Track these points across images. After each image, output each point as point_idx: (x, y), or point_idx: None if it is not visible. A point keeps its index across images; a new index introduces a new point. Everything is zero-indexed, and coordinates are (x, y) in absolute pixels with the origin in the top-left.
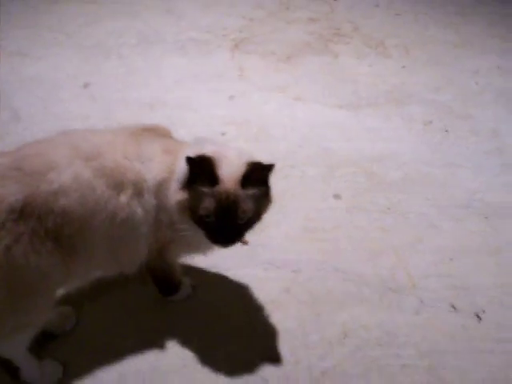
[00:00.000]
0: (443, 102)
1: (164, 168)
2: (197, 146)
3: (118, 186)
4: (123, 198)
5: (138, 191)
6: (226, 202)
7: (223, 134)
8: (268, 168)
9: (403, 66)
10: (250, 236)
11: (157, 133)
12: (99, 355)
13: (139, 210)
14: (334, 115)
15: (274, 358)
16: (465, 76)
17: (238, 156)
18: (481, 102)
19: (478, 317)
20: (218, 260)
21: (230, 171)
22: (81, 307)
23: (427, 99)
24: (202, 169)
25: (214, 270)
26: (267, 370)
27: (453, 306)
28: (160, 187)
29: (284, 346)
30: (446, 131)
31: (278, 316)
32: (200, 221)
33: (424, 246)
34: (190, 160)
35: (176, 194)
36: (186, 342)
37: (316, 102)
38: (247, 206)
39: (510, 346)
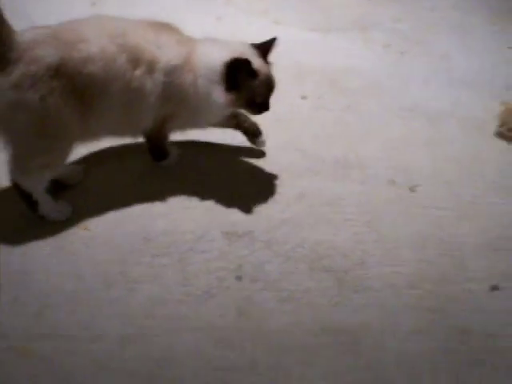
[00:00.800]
0: (402, 30)
1: (178, 56)
2: (212, 46)
3: (134, 61)
4: (137, 72)
5: (151, 69)
6: (270, 83)
7: None
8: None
9: (369, 0)
10: None
11: (170, 28)
12: (101, 203)
13: (149, 83)
14: (306, 36)
15: (240, 209)
16: (424, 10)
17: (251, 49)
18: (436, 31)
19: (412, 190)
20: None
21: (257, 62)
22: (90, 168)
23: (388, 27)
24: (242, 69)
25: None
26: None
27: (392, 181)
28: (173, 70)
29: (249, 203)
30: (402, 53)
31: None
32: (252, 105)
33: (373, 137)
34: (231, 65)
35: (225, 96)
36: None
37: (292, 26)
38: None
39: (437, 211)
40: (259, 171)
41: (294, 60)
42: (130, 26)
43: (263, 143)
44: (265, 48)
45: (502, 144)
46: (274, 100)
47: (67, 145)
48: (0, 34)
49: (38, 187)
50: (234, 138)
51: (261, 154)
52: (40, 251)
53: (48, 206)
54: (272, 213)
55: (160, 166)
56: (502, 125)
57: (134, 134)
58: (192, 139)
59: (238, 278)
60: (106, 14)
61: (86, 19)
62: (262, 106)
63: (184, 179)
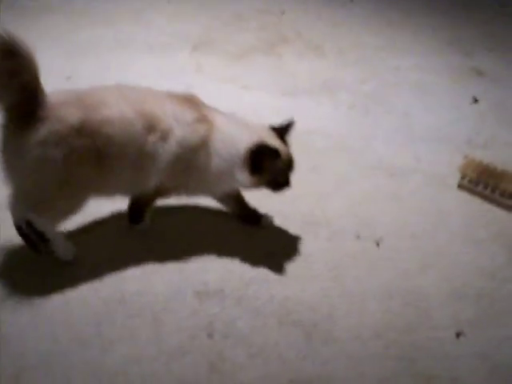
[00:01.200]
0: (366, 91)
1: (195, 134)
2: (232, 128)
3: (150, 128)
4: (151, 138)
5: (164, 137)
6: (291, 163)
7: None
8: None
9: (336, 64)
10: None
11: (193, 102)
12: (77, 267)
13: (160, 151)
14: (275, 100)
15: (212, 269)
16: (387, 72)
17: (270, 131)
18: (397, 91)
19: (377, 244)
20: None
21: (278, 144)
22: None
23: (353, 89)
24: (266, 153)
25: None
26: (206, 276)
27: (357, 236)
28: (188, 146)
29: (220, 262)
30: (366, 113)
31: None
32: (274, 184)
33: (339, 194)
34: (255, 150)
35: (249, 179)
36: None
37: (260, 90)
38: None
39: (402, 263)
40: (229, 231)
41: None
42: (151, 96)
43: (270, 219)
44: (282, 130)
45: (465, 195)
46: None
47: (84, 196)
48: (35, 92)
49: (51, 227)
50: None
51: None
52: (16, 315)
53: (59, 244)
54: (242, 271)
55: (134, 229)
56: (463, 177)
57: (138, 192)
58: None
59: (210, 335)
60: (127, 83)
61: (110, 86)
62: (283, 185)
63: (157, 240)
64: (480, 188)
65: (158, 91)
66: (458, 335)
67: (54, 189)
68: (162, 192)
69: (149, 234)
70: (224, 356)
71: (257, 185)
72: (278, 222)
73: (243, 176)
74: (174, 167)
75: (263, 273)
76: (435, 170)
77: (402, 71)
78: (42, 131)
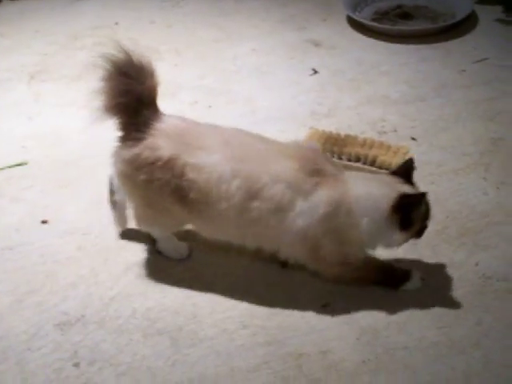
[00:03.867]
0: (207, 85)
1: (329, 202)
2: (365, 184)
3: (251, 193)
4: (254, 204)
5: (279, 209)
6: (429, 206)
7: (23, 147)
8: None
9: (175, 65)
10: None
11: (317, 162)
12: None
13: (273, 220)
14: None
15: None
16: (225, 62)
17: (397, 177)
18: (238, 78)
19: None
20: None
21: (411, 189)
22: None
23: (194, 86)
24: (413, 204)
25: None
26: (64, 306)
27: None
28: (322, 217)
29: (76, 288)
30: (209, 107)
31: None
32: (422, 230)
33: None
34: (401, 206)
35: (402, 236)
36: None
37: None
38: None
39: None
40: (84, 253)
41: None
42: (258, 153)
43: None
44: (405, 170)
45: None
46: None
47: (173, 224)
48: (147, 109)
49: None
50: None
51: None
52: None
53: (165, 245)
54: (101, 292)
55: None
56: None
57: (269, 248)
58: None
59: (76, 365)
60: (241, 129)
61: (224, 129)
62: (426, 226)
63: (6, 280)
64: None
65: (273, 147)
66: (324, 306)
67: (141, 206)
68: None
69: None
70: (92, 382)
71: (408, 239)
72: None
73: (394, 236)
74: (306, 243)
75: (123, 289)
76: None
77: (240, 58)
78: (131, 152)
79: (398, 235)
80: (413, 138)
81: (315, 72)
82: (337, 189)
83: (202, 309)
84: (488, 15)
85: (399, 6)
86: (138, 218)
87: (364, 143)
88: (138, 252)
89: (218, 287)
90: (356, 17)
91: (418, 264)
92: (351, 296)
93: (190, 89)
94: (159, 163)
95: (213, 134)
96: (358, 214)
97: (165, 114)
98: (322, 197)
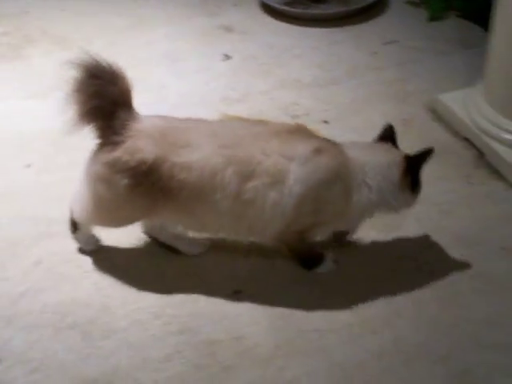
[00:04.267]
0: None
1: (325, 170)
2: (364, 151)
3: (246, 174)
4: (250, 184)
5: (277, 181)
6: None
7: None
8: None
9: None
10: None
11: (301, 132)
12: None
13: (272, 195)
14: (24, 105)
15: None
16: (138, 49)
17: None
18: (151, 66)
19: None
20: None
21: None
22: None
23: None
24: (421, 162)
25: None
26: None
27: None
28: (320, 186)
29: None
30: None
31: None
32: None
33: None
34: (409, 161)
35: (412, 198)
36: None
37: (8, 99)
38: None
39: None
40: None
41: (16, 130)
42: (251, 136)
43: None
44: (389, 136)
45: None
46: None
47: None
48: (121, 112)
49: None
50: None
51: None
52: None
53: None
54: (9, 288)
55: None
56: None
57: (260, 239)
58: None
59: None
60: (224, 119)
61: (207, 122)
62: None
63: None
64: None
65: (262, 129)
66: (236, 293)
67: (96, 209)
68: (297, 235)
69: None
70: (2, 381)
71: (416, 200)
72: (42, 228)
73: (404, 198)
74: (299, 209)
75: (32, 284)
76: None
77: (153, 45)
78: (111, 156)
79: (409, 197)
80: (325, 121)
81: (227, 57)
82: (335, 156)
83: (114, 300)
84: None
85: None
86: (93, 218)
87: None
88: (47, 245)
89: (129, 278)
90: (268, 1)
91: (330, 246)
92: (262, 281)
93: None
94: (143, 167)
95: (197, 128)
96: (366, 181)
97: (142, 115)
98: (320, 163)
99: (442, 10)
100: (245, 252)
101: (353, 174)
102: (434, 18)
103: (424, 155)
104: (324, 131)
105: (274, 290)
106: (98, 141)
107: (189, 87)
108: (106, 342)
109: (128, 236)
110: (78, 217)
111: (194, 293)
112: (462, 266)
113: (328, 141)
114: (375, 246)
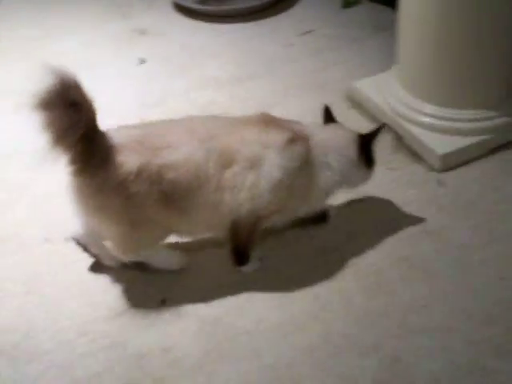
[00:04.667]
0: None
1: (298, 157)
2: (324, 131)
3: (226, 162)
4: (229, 172)
5: (253, 166)
6: None
7: None
8: None
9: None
10: None
11: (269, 121)
12: None
13: (250, 177)
14: None
15: None
16: (52, 59)
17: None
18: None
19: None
20: None
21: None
22: None
23: (22, 88)
24: (373, 138)
25: None
26: None
27: (48, 239)
28: (294, 172)
29: None
30: None
31: None
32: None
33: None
34: (363, 139)
35: (363, 174)
36: None
37: None
38: None
39: None
40: None
41: None
42: (221, 126)
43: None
44: (331, 115)
45: None
46: None
47: (160, 233)
48: (93, 135)
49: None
50: None
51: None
52: None
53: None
54: None
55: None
56: None
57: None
58: None
59: None
60: (196, 115)
61: (179, 121)
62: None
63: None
64: None
65: (232, 120)
66: (162, 302)
67: (121, 228)
68: (259, 220)
69: None
70: None
71: (371, 175)
72: None
73: (362, 174)
74: (274, 193)
75: None
76: None
77: (67, 53)
78: (98, 179)
79: (365, 172)
80: None
81: (143, 61)
82: (306, 143)
83: (38, 322)
84: None
85: None
86: (123, 248)
87: None
88: None
89: (51, 298)
90: (180, 1)
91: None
92: (186, 288)
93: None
94: (131, 177)
95: (170, 128)
96: (329, 162)
97: (109, 130)
98: (295, 152)
99: None
100: None
101: (318, 158)
102: (347, 4)
103: (376, 132)
104: None
105: (198, 295)
106: (73, 166)
107: (106, 95)
108: (33, 366)
109: (48, 254)
110: (116, 254)
111: (119, 305)
112: (386, 252)
113: (296, 126)
114: (298, 239)
